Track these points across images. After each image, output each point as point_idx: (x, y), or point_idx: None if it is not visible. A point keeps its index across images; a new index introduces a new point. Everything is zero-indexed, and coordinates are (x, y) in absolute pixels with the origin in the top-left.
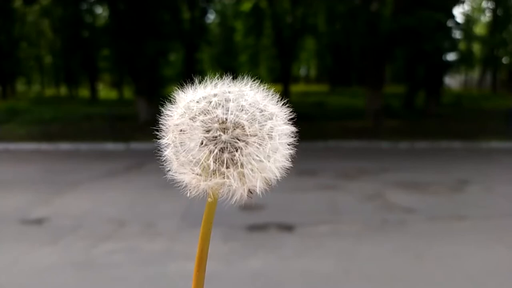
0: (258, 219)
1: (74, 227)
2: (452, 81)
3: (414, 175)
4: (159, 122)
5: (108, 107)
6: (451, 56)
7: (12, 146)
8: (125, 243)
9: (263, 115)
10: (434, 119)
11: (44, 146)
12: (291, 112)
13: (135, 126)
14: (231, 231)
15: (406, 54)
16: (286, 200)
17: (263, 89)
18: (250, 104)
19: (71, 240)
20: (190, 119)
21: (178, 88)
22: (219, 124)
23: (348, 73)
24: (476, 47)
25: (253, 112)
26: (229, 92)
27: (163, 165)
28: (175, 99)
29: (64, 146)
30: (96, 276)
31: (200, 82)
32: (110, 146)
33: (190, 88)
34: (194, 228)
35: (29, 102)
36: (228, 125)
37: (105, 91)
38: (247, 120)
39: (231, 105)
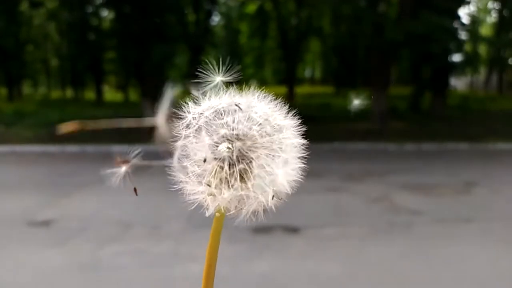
0: (264, 221)
1: (81, 229)
2: (458, 83)
3: (420, 177)
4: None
5: (114, 109)
6: (457, 58)
7: (18, 148)
8: (131, 245)
9: (273, 127)
10: (440, 120)
11: (51, 148)
12: (296, 114)
13: (141, 128)
14: (237, 233)
15: (411, 56)
16: (291, 202)
17: (272, 100)
18: (259, 115)
19: (77, 242)
20: (197, 130)
21: (184, 97)
22: (228, 135)
23: (353, 75)
24: (482, 48)
25: (262, 124)
26: (238, 102)
27: (169, 167)
28: (181, 109)
29: (71, 148)
30: (102, 278)
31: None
32: (116, 148)
33: (197, 98)
34: (200, 230)
35: (36, 104)
36: (237, 137)
37: (111, 93)
38: (257, 132)
39: (240, 116)
